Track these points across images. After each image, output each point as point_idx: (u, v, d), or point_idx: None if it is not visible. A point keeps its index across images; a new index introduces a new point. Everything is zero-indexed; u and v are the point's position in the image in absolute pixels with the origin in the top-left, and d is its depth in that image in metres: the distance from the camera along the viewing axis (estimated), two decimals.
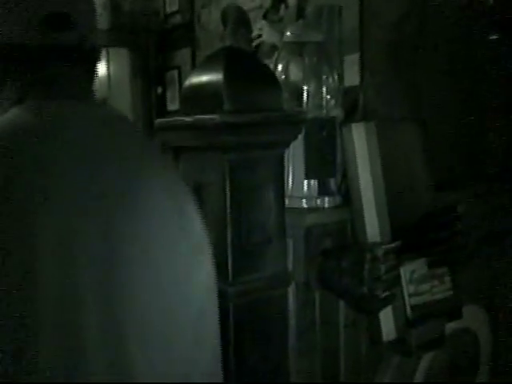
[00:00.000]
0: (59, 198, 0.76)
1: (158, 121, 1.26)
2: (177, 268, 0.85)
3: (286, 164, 1.27)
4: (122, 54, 4.38)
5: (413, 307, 1.36)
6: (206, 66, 1.20)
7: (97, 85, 0.96)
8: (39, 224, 0.73)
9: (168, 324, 0.83)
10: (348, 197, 1.35)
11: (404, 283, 1.35)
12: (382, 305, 1.28)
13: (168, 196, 0.87)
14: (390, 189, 1.36)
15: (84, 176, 0.79)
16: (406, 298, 1.35)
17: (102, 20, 3.73)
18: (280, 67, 1.37)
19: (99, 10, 3.27)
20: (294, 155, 1.34)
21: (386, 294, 1.26)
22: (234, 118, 1.11)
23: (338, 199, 1.39)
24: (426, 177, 1.44)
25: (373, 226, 1.31)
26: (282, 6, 2.82)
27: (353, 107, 1.50)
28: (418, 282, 1.37)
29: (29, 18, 0.83)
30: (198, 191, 1.19)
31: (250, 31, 2.81)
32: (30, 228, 0.72)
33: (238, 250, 1.21)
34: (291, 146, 1.26)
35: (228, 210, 1.17)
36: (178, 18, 4.33)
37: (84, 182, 0.78)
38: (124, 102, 4.29)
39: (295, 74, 1.35)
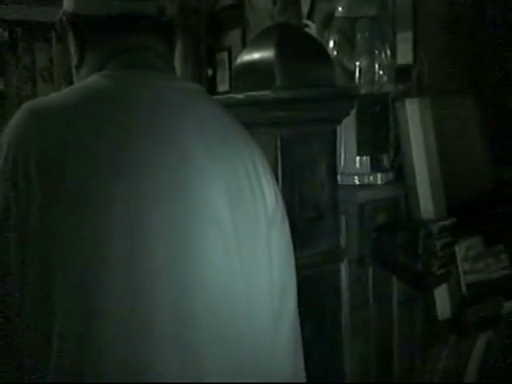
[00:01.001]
0: (133, 168, 0.76)
1: (221, 97, 1.29)
2: (257, 246, 0.84)
3: (338, 140, 1.29)
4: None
5: (468, 285, 1.37)
6: (257, 44, 1.23)
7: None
8: (116, 190, 0.74)
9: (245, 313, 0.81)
10: (402, 173, 1.36)
11: (459, 261, 1.35)
12: (438, 282, 1.29)
13: (248, 169, 0.85)
14: (445, 165, 1.36)
15: (157, 145, 0.78)
16: (462, 275, 1.36)
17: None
18: (332, 42, 1.38)
19: None
20: (347, 131, 1.36)
21: (442, 271, 1.27)
22: (285, 93, 1.14)
23: (390, 175, 1.40)
24: (483, 152, 1.44)
25: (427, 203, 1.32)
26: None
27: (407, 83, 1.50)
28: (473, 259, 1.37)
29: None
30: None
31: (300, 7, 2.81)
32: (105, 192, 0.74)
33: (291, 225, 1.25)
34: (344, 122, 1.28)
35: (280, 186, 1.20)
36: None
37: (156, 152, 0.78)
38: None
39: (347, 49, 1.36)
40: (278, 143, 1.17)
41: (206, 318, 0.76)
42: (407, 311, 1.45)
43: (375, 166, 1.38)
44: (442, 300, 1.34)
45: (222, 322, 0.78)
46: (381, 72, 1.37)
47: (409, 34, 1.66)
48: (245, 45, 3.98)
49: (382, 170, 1.39)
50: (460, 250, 1.36)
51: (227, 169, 0.82)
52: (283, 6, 2.85)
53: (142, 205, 0.74)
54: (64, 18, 0.91)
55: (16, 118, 0.79)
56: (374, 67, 1.37)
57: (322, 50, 1.25)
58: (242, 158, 0.85)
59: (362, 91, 1.34)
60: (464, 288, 1.36)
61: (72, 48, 0.92)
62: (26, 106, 0.80)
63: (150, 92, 0.83)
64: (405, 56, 1.64)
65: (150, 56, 0.89)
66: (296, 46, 1.20)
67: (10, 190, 0.73)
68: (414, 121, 1.30)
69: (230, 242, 0.79)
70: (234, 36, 4.16)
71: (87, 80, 0.84)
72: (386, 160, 1.40)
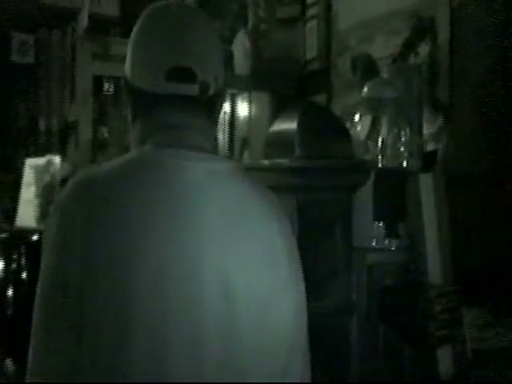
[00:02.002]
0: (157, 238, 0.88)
1: (247, 163, 1.54)
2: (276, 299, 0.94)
3: (355, 204, 1.47)
4: (263, 98, 4.72)
5: (475, 351, 1.46)
6: (285, 116, 1.46)
7: (218, 134, 1.17)
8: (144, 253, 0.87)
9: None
10: (413, 239, 1.50)
11: (466, 326, 1.46)
12: (438, 343, 1.41)
13: (263, 245, 0.96)
14: (457, 237, 1.50)
15: (177, 219, 0.90)
16: (468, 340, 1.46)
17: (245, 67, 4.09)
18: (357, 118, 1.58)
19: (241, 58, 3.70)
20: (364, 197, 1.53)
21: (442, 333, 1.39)
22: (302, 163, 1.36)
23: (404, 242, 1.55)
24: (498, 233, 1.55)
25: (435, 269, 1.46)
26: (412, 55, 3.00)
27: (431, 160, 1.65)
28: (481, 327, 1.47)
29: (157, 68, 0.96)
30: None
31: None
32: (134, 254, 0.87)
33: (305, 279, 1.43)
34: (362, 188, 1.47)
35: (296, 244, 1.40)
36: (315, 65, 4.58)
37: (175, 225, 0.90)
38: (261, 142, 4.60)
39: (371, 126, 1.55)
40: (294, 206, 1.38)
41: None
42: (417, 368, 1.56)
43: (389, 232, 1.54)
44: (445, 361, 1.45)
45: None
46: (402, 148, 1.55)
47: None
48: (329, 108, 4.22)
49: (396, 236, 1.55)
50: (468, 316, 1.47)
51: (241, 239, 0.93)
52: (362, 76, 3.08)
53: (164, 264, 0.88)
54: (123, 80, 1.05)
55: (69, 187, 0.96)
56: (398, 143, 1.55)
57: (342, 126, 1.46)
58: (258, 236, 0.95)
59: (382, 164, 1.52)
60: (469, 353, 1.46)
61: (127, 108, 1.06)
62: (79, 175, 0.97)
63: (178, 173, 0.93)
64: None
65: (188, 135, 0.98)
66: (316, 121, 1.42)
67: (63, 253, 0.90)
68: (426, 195, 1.45)
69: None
70: (320, 101, 4.41)
71: (130, 154, 0.98)
72: (400, 227, 1.56)
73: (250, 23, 4.22)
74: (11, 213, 3.11)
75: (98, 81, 4.06)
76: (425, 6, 2.38)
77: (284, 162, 1.35)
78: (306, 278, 1.41)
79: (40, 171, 2.76)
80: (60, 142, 5.04)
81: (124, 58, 3.28)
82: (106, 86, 4.28)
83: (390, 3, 2.81)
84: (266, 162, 1.42)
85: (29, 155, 5.08)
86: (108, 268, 0.87)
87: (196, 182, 0.92)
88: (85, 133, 3.90)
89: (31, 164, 2.84)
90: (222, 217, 0.92)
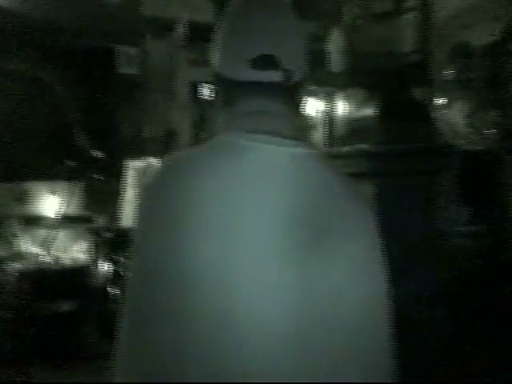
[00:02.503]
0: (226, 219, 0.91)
1: (327, 149, 1.58)
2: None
3: (438, 188, 1.47)
4: (360, 95, 4.71)
5: None
6: (364, 104, 1.48)
7: (303, 121, 1.18)
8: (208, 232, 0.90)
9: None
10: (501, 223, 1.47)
11: None
12: None
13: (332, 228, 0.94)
14: None
15: (251, 204, 0.92)
16: None
17: (340, 64, 4.11)
18: (443, 101, 1.57)
19: (336, 55, 3.73)
20: (449, 181, 1.52)
21: None
22: (381, 147, 1.38)
23: (491, 226, 1.52)
24: None
25: None
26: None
27: None
28: None
29: (242, 56, 0.98)
30: None
31: None
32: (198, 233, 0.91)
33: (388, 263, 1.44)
34: (446, 172, 1.46)
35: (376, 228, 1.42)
36: (413, 58, 4.51)
37: (248, 208, 0.92)
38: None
39: (458, 111, 1.54)
40: (375, 192, 1.40)
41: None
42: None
43: (475, 216, 1.51)
44: None
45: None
46: (490, 131, 1.52)
47: None
48: (429, 101, 4.16)
49: (482, 220, 1.52)
50: None
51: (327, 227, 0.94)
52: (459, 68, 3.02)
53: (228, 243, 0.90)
54: (212, 70, 1.06)
55: (156, 172, 1.01)
56: (485, 126, 1.53)
57: (424, 112, 1.46)
58: (329, 220, 0.95)
59: (468, 147, 1.51)
60: None
61: (216, 97, 1.07)
62: (165, 159, 1.04)
63: (259, 156, 0.95)
64: None
65: (271, 120, 1.00)
66: (397, 107, 1.43)
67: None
68: None
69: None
70: (419, 93, 4.34)
71: (214, 140, 1.01)
72: (487, 211, 1.53)
73: (345, 20, 4.24)
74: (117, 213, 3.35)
75: (196, 87, 4.25)
76: None
77: (365, 147, 1.37)
78: (390, 264, 1.43)
79: (140, 173, 2.93)
80: (162, 147, 5.30)
81: None
82: (204, 91, 4.46)
83: None
84: (346, 148, 1.45)
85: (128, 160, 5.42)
86: (194, 244, 0.91)
87: (278, 165, 0.94)
88: (185, 137, 4.07)
89: (132, 166, 3.03)
90: (307, 201, 0.93)
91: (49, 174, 5.57)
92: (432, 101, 4.17)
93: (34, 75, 5.62)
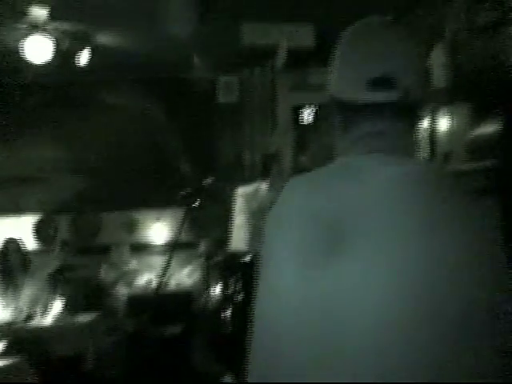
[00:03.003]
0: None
1: (450, 168, 1.57)
2: None
3: None
4: (465, 110, 4.62)
5: None
6: (490, 120, 1.47)
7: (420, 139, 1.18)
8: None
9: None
10: None
11: None
12: None
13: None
14: None
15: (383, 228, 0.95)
16: None
17: (442, 79, 4.05)
18: None
19: (439, 71, 3.69)
20: None
21: None
22: (501, 164, 1.36)
23: None
24: None
25: None
26: None
27: None
28: None
29: (360, 79, 1.02)
30: None
31: None
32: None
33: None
34: None
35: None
36: None
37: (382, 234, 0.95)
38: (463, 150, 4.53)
39: None
40: (500, 211, 1.38)
41: None
42: None
43: None
44: None
45: None
46: None
47: None
48: None
49: None
50: None
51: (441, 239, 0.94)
52: None
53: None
54: (330, 98, 1.11)
55: (284, 189, 1.10)
56: None
57: None
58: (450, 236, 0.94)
59: None
60: None
61: (334, 124, 1.12)
62: (293, 179, 1.11)
63: (376, 176, 0.98)
64: None
65: (388, 141, 1.03)
66: None
67: None
68: None
69: None
70: None
71: (334, 163, 1.07)
72: None
73: (448, 35, 4.19)
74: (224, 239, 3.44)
75: (297, 111, 4.34)
76: None
77: (489, 164, 1.36)
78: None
79: (249, 198, 3.01)
80: (262, 172, 5.42)
81: (321, 87, 3.43)
82: (305, 115, 4.54)
83: None
84: (469, 166, 1.44)
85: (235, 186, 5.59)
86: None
87: (398, 184, 0.97)
88: (287, 161, 4.15)
89: (241, 192, 3.12)
90: (421, 216, 0.94)
91: (155, 201, 5.84)
92: None
93: (139, 108, 5.94)
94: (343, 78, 1.07)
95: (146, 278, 5.68)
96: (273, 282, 1.05)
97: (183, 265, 5.54)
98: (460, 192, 1.03)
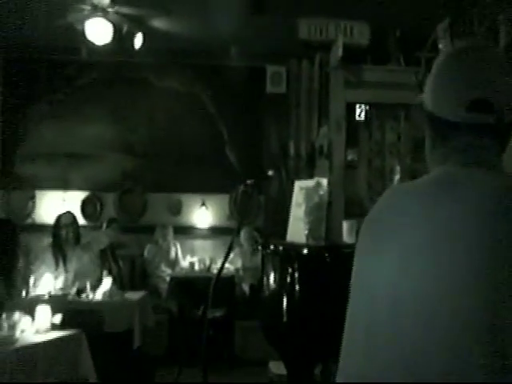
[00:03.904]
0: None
1: None
2: None
3: None
4: None
5: None
6: None
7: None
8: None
9: None
10: None
11: None
12: None
13: None
14: None
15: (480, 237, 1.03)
16: None
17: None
18: None
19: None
20: None
21: None
22: None
23: None
24: None
25: None
26: None
27: None
28: None
29: (459, 100, 1.12)
30: None
31: None
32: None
33: None
34: None
35: None
36: None
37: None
38: None
39: None
40: None
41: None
42: None
43: None
44: None
45: None
46: None
47: None
48: None
49: None
50: None
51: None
52: None
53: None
54: (423, 111, 1.21)
55: (381, 198, 1.18)
56: None
57: None
58: None
59: None
60: None
61: (426, 138, 1.22)
62: (392, 187, 1.27)
63: (470, 185, 1.08)
64: None
65: (481, 155, 1.13)
66: None
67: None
68: None
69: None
70: None
71: (433, 173, 1.16)
72: None
73: (502, 41, 4.21)
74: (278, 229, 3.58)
75: (350, 107, 4.46)
76: None
77: None
78: None
79: (310, 192, 3.15)
80: (308, 164, 5.54)
81: (374, 85, 3.54)
82: (357, 111, 4.67)
83: None
84: None
85: (281, 177, 5.72)
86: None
87: (491, 197, 1.05)
88: (338, 156, 4.27)
89: (301, 185, 3.25)
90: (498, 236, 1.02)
91: (201, 186, 6.03)
92: None
93: (188, 92, 6.10)
94: (442, 98, 1.17)
95: (189, 261, 5.88)
96: (371, 281, 1.13)
97: (223, 250, 5.73)
98: None
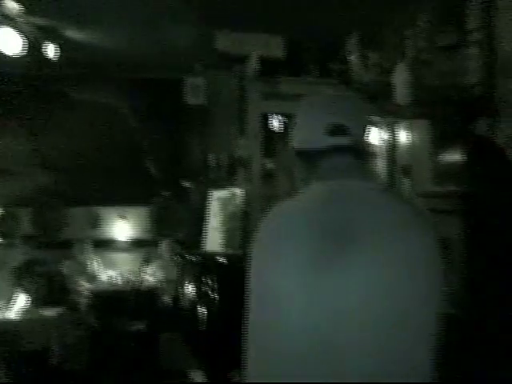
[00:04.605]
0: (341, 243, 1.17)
1: (421, 190, 1.84)
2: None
3: None
4: (424, 125, 4.88)
5: None
6: (455, 149, 1.75)
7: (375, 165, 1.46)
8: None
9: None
10: None
11: None
12: None
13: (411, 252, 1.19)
14: None
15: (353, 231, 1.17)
16: None
17: (406, 95, 4.31)
18: None
19: (401, 87, 3.97)
20: None
21: None
22: (469, 189, 1.64)
23: None
24: None
25: None
26: None
27: None
28: None
29: (317, 128, 1.30)
30: (444, 243, 1.71)
31: None
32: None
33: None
34: None
35: (463, 261, 1.68)
36: (478, 90, 4.68)
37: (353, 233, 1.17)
38: (423, 169, 4.78)
39: None
40: (463, 229, 1.66)
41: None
42: None
43: None
44: None
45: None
46: None
47: None
48: (493, 133, 4.34)
49: None
50: None
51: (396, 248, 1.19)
52: None
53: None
54: (292, 151, 1.40)
55: (267, 216, 1.28)
56: None
57: (505, 157, 1.72)
58: (408, 244, 1.20)
59: None
60: None
61: (296, 173, 1.39)
62: (275, 206, 1.29)
63: (351, 193, 1.24)
64: None
65: (351, 170, 1.31)
66: (483, 153, 1.70)
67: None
68: None
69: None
70: (482, 125, 4.52)
71: (313, 187, 1.30)
72: None
73: (410, 54, 4.43)
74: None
75: (266, 118, 4.58)
76: None
77: (455, 188, 1.64)
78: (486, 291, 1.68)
79: (225, 202, 3.23)
80: (228, 175, 5.62)
81: (291, 96, 3.74)
82: (273, 122, 4.80)
83: None
84: (437, 189, 1.72)
85: (202, 188, 5.77)
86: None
87: (360, 199, 1.23)
88: (255, 166, 4.37)
89: (217, 196, 3.32)
90: (389, 232, 1.19)
91: (120, 199, 5.98)
92: (497, 133, 4.32)
93: (106, 104, 6.06)
94: (307, 131, 1.35)
95: (108, 275, 5.82)
96: (271, 289, 1.21)
97: (146, 263, 5.72)
98: (414, 206, 1.27)
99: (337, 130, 1.29)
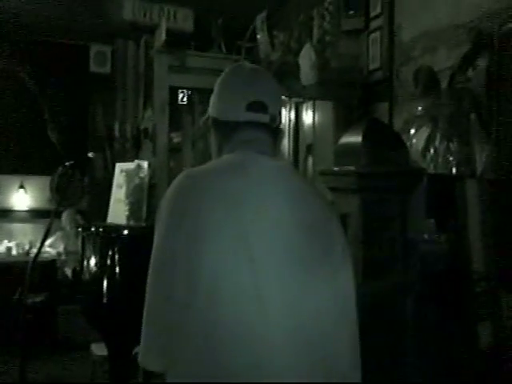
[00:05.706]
0: (241, 214, 1.19)
1: (322, 169, 1.94)
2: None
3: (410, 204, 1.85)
4: (327, 106, 5.00)
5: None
6: (353, 131, 1.85)
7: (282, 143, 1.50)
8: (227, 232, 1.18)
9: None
10: (459, 233, 1.87)
11: (504, 307, 1.81)
12: (479, 319, 1.76)
13: (320, 222, 1.26)
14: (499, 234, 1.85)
15: (257, 200, 1.22)
16: (505, 318, 1.81)
17: (310, 77, 4.40)
18: (413, 132, 1.96)
19: (307, 68, 4.05)
20: (418, 198, 1.90)
21: (483, 310, 1.75)
22: (366, 169, 1.75)
23: (451, 235, 1.92)
24: None
25: (478, 259, 1.82)
26: (470, 69, 3.27)
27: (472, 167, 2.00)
28: None
29: (240, 103, 1.33)
30: (344, 219, 1.82)
31: (439, 91, 3.31)
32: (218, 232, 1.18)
33: (369, 262, 1.82)
34: (416, 190, 1.84)
35: (361, 233, 1.79)
36: (379, 75, 4.85)
37: (257, 202, 1.21)
38: (327, 148, 4.89)
39: (426, 139, 1.93)
40: (361, 204, 1.77)
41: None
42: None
43: (439, 227, 1.91)
44: (485, 334, 1.80)
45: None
46: (451, 157, 1.92)
47: None
48: (391, 116, 4.52)
49: (444, 231, 1.91)
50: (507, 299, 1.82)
51: (304, 219, 1.25)
52: (423, 88, 3.38)
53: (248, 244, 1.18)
54: (209, 120, 1.40)
55: (176, 181, 1.28)
56: (447, 154, 1.92)
57: (399, 140, 1.84)
58: (315, 214, 1.27)
59: (434, 171, 1.90)
60: (508, 328, 1.81)
61: (212, 141, 1.41)
62: (185, 172, 1.31)
63: (258, 166, 1.29)
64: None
65: (262, 145, 1.35)
66: (378, 135, 1.81)
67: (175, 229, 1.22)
68: (471, 197, 1.81)
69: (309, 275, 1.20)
70: (382, 108, 4.71)
71: (223, 157, 1.35)
72: (448, 223, 1.92)
73: (316, 35, 4.51)
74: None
75: (174, 91, 4.55)
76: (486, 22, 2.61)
77: (352, 168, 1.74)
78: (370, 263, 1.80)
79: (130, 174, 3.18)
80: (133, 146, 5.56)
81: (197, 70, 3.74)
82: (181, 96, 4.79)
83: (453, 17, 3.02)
84: (337, 168, 1.81)
85: (106, 159, 5.68)
86: (200, 241, 1.18)
87: (267, 172, 1.28)
88: (162, 138, 4.35)
89: (122, 168, 3.28)
90: (288, 200, 1.24)
91: (20, 168, 5.77)
92: (393, 117, 4.52)
93: (7, 69, 5.79)
94: (227, 103, 1.37)
95: (6, 245, 5.63)
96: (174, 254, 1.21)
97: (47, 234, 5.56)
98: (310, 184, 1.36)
99: (257, 107, 1.33)
